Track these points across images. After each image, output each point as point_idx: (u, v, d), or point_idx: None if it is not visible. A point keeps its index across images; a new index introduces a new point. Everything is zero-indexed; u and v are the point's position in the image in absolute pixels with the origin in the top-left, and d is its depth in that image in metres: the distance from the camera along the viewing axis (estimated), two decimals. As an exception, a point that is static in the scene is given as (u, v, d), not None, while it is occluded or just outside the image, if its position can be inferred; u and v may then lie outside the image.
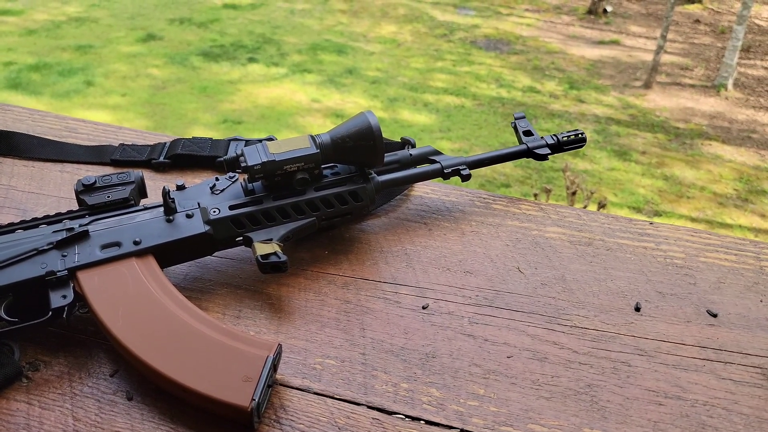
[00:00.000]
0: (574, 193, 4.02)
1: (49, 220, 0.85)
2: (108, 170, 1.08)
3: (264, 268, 0.83)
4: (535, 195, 4.16)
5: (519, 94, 6.65)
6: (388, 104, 6.19)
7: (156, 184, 1.04)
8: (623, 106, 6.59)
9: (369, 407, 0.74)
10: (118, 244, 0.82)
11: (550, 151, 1.00)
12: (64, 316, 0.77)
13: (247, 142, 1.10)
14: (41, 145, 1.09)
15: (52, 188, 1.04)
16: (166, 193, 0.84)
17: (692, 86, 7.06)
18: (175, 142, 1.09)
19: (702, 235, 0.96)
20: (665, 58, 7.15)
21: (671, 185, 5.17)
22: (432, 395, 0.75)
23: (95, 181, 0.87)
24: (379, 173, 0.95)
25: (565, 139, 1.01)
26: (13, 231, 0.83)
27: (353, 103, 6.10)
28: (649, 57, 7.45)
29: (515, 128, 1.03)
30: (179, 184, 0.89)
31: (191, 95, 6.38)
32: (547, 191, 4.05)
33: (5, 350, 0.77)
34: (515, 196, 1.03)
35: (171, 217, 0.85)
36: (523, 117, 1.05)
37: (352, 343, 0.81)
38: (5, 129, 1.12)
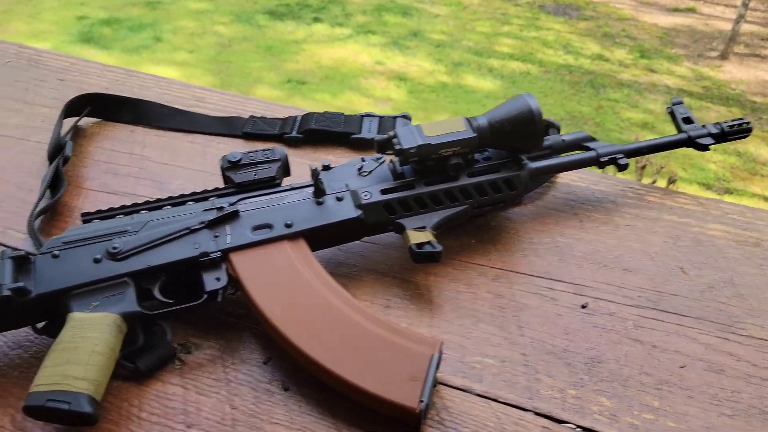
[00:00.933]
0: (643, 167, 3.85)
1: (196, 197, 0.82)
2: (238, 143, 1.05)
3: (417, 257, 0.80)
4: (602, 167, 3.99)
5: (587, 61, 6.41)
6: (452, 69, 6.06)
7: (290, 160, 1.01)
8: (696, 77, 6.29)
9: (536, 414, 0.70)
10: (269, 226, 0.79)
11: (713, 141, 0.93)
12: (219, 299, 0.75)
13: (381, 119, 1.05)
14: (171, 114, 1.07)
15: (185, 160, 1.02)
16: (317, 175, 0.81)
17: (772, 58, 6.66)
18: (307, 116, 1.05)
19: None
20: (745, 27, 6.77)
21: (744, 162, 4.93)
22: (602, 404, 0.71)
23: (241, 158, 0.84)
24: (531, 159, 0.89)
25: (729, 128, 0.93)
26: (161, 207, 0.81)
27: (417, 67, 5.98)
28: (727, 26, 7.07)
29: (672, 115, 0.96)
30: (326, 163, 0.86)
31: (256, 54, 6.37)
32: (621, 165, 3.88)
33: (158, 331, 0.76)
34: (671, 189, 0.96)
35: (321, 200, 0.82)
36: (681, 102, 0.97)
37: (511, 341, 0.77)
38: (132, 96, 1.10)
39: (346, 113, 1.06)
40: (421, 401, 0.66)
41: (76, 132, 1.04)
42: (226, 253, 0.77)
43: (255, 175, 0.83)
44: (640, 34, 7.10)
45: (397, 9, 7.31)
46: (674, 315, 0.79)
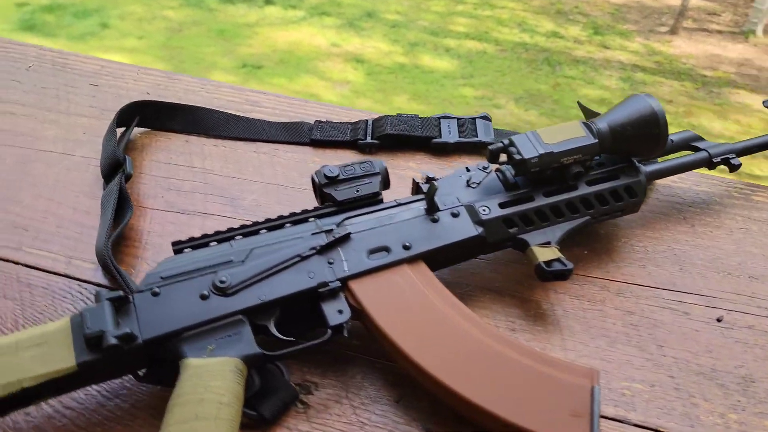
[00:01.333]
0: None
1: (295, 218, 0.74)
2: (306, 151, 0.96)
3: (546, 276, 0.73)
4: None
5: (542, 39, 6.43)
6: (409, 49, 5.99)
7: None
8: (649, 52, 6.37)
9: (703, 443, 0.65)
10: (386, 249, 0.72)
11: None
12: (345, 334, 0.67)
13: (459, 120, 0.98)
14: (228, 121, 0.98)
15: (252, 172, 0.93)
16: (433, 191, 0.74)
17: (720, 32, 6.81)
18: (379, 120, 0.97)
19: None
20: (692, 2, 6.88)
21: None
22: (768, 428, 0.66)
23: (339, 173, 0.76)
24: (641, 162, 0.83)
25: None
26: (257, 231, 0.73)
27: (373, 48, 5.90)
28: (676, 1, 7.18)
29: (774, 109, 0.92)
30: (430, 176, 0.78)
31: (208, 38, 6.19)
32: None
33: (274, 371, 0.68)
34: (775, 186, 0.92)
35: (436, 217, 0.75)
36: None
37: (654, 363, 0.72)
38: (178, 101, 1.00)
39: (421, 115, 0.98)
40: (593, 439, 0.61)
41: (127, 145, 0.94)
42: (344, 282, 0.70)
43: (357, 191, 0.76)
44: (592, 10, 7.15)
45: (351, -11, 7.18)
46: (816, 325, 0.75)
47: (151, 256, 0.80)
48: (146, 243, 0.82)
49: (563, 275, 0.73)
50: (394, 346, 0.66)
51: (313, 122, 0.98)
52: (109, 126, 0.92)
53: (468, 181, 0.79)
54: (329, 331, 0.67)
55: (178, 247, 0.71)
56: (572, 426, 0.62)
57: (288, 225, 0.74)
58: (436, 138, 0.95)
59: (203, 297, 0.66)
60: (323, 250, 0.71)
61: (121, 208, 0.82)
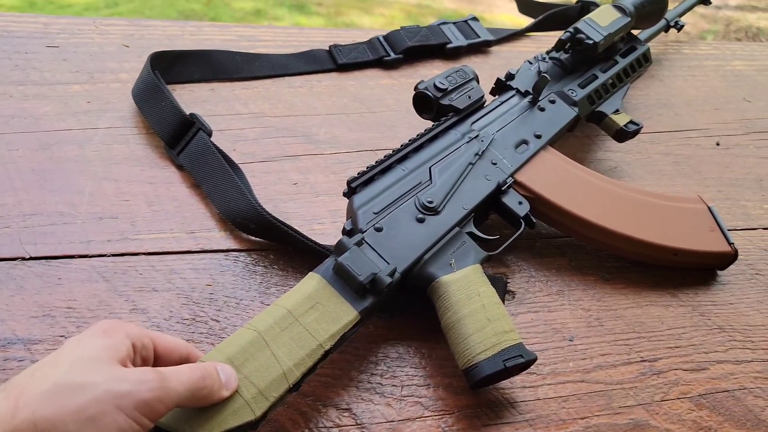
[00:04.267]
0: None
1: (431, 134, 0.77)
2: (335, 76, 0.95)
3: (627, 135, 0.88)
4: None
5: None
6: None
7: (401, 82, 0.96)
8: None
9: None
10: (525, 142, 0.80)
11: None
12: (533, 221, 0.75)
13: (456, 24, 1.05)
14: (249, 61, 0.90)
15: (303, 107, 0.89)
16: (544, 82, 0.82)
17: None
18: (392, 35, 0.99)
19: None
20: None
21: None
22: (788, 207, 0.92)
23: (447, 84, 0.80)
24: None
25: None
26: (407, 155, 0.74)
27: None
28: None
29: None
30: (512, 71, 0.86)
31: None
32: None
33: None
34: (689, 40, 1.17)
35: (540, 105, 0.84)
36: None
37: (703, 185, 0.92)
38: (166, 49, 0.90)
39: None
40: (731, 243, 0.79)
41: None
42: (512, 176, 0.76)
43: (470, 97, 0.81)
44: None
45: None
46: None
47: (273, 210, 0.75)
48: (259, 198, 0.77)
49: (637, 132, 0.89)
50: (571, 215, 0.76)
51: (327, 48, 0.96)
52: (147, 84, 0.80)
53: (539, 72, 0.88)
54: (522, 222, 0.74)
55: (356, 183, 0.70)
56: (714, 239, 0.79)
57: (426, 143, 0.76)
58: (448, 44, 1.01)
59: (420, 220, 0.68)
60: (483, 154, 0.76)
61: (231, 166, 0.76)
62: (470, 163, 0.74)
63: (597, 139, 0.95)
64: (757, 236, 0.86)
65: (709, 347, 0.72)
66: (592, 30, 0.87)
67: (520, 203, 0.75)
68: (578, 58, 0.89)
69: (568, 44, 0.88)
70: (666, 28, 1.06)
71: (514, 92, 0.85)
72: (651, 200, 0.80)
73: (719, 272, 0.80)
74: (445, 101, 0.79)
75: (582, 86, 0.88)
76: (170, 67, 0.86)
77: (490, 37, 1.04)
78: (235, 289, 0.68)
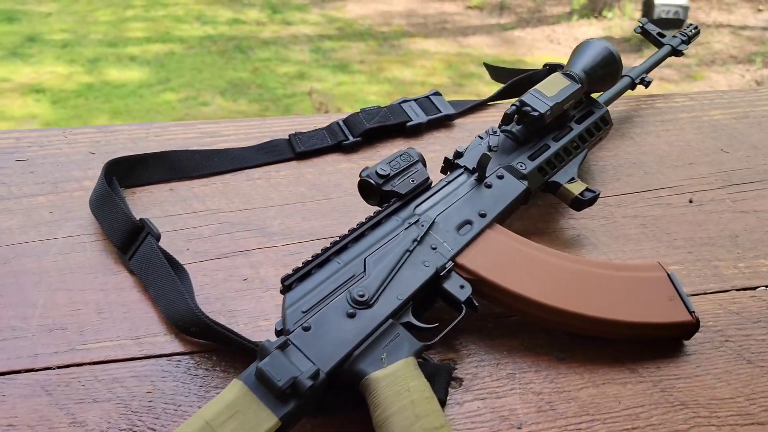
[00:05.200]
0: (326, 112, 4.16)
1: (372, 222, 0.77)
2: (294, 165, 0.97)
3: (583, 204, 0.87)
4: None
5: (226, 28, 6.42)
6: (91, 66, 5.53)
7: (360, 165, 0.97)
8: (328, 21, 6.75)
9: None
10: (468, 222, 0.79)
11: (686, 47, 1.14)
12: (476, 305, 0.74)
13: (418, 101, 1.06)
14: (207, 158, 0.94)
15: (259, 200, 0.91)
16: (485, 162, 0.82)
17: (383, -11, 7.32)
18: (352, 118, 1.01)
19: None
20: None
21: (396, 86, 5.40)
22: (766, 264, 0.88)
23: (389, 170, 0.81)
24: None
25: (690, 33, 1.15)
26: (346, 246, 0.74)
27: (50, 74, 5.32)
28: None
29: (645, 32, 1.14)
30: (460, 149, 0.87)
31: None
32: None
33: (426, 362, 0.72)
34: (663, 93, 1.16)
35: (488, 183, 0.83)
36: (648, 21, 1.16)
37: (673, 247, 0.89)
38: (129, 154, 0.94)
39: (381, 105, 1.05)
40: (692, 312, 0.76)
41: (114, 209, 0.86)
42: (453, 260, 0.76)
43: (413, 181, 0.81)
44: (259, -10, 7.35)
45: (-1, 16, 6.47)
46: (748, 183, 0.99)
47: (221, 308, 0.77)
48: (208, 297, 0.79)
49: (595, 200, 0.87)
50: (515, 295, 0.75)
51: (287, 137, 0.99)
52: (101, 192, 0.84)
53: (489, 147, 0.88)
54: (463, 307, 0.73)
55: (290, 281, 0.70)
56: (672, 308, 0.76)
57: (367, 229, 0.77)
58: (408, 122, 1.02)
59: (350, 315, 0.68)
60: (422, 239, 0.76)
61: (176, 269, 0.78)
62: (407, 251, 0.74)
63: (560, 207, 0.93)
64: (729, 299, 0.82)
65: (670, 426, 0.69)
66: (538, 101, 0.87)
67: (462, 287, 0.74)
68: (529, 129, 0.89)
69: (516, 117, 0.88)
70: (632, 86, 1.05)
71: (462, 170, 0.85)
72: (605, 272, 0.78)
73: (685, 342, 0.77)
74: (387, 187, 0.79)
75: (532, 158, 0.87)
76: (130, 171, 0.90)
77: (452, 111, 1.05)
78: (175, 394, 0.69)
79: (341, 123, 1.01)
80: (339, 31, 6.47)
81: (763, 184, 0.99)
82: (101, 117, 4.62)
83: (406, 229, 0.76)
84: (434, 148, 1.02)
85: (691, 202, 0.96)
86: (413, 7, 6.90)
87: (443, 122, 1.05)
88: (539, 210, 0.92)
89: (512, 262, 0.77)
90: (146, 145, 0.97)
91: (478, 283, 0.75)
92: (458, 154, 0.86)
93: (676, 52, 1.13)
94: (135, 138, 0.98)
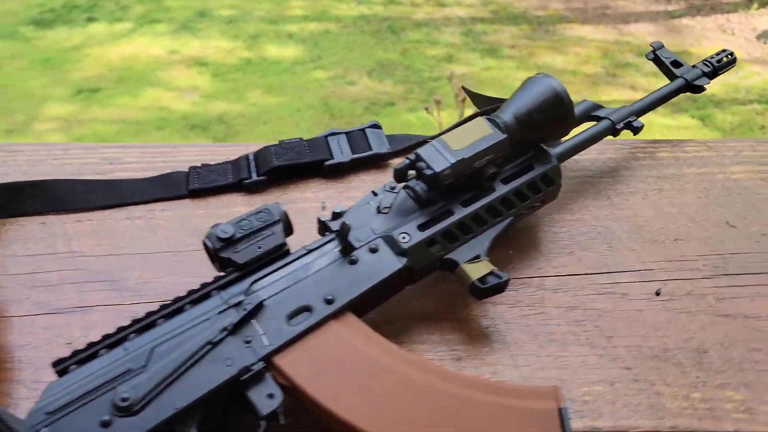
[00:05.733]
0: (463, 100, 3.92)
1: (195, 296, 0.64)
2: (186, 204, 0.85)
3: (483, 293, 0.68)
4: (426, 108, 4.02)
5: (381, 8, 6.43)
6: (252, 42, 5.81)
7: (250, 210, 0.83)
8: (483, 3, 6.54)
9: (678, 434, 0.62)
10: (307, 309, 0.64)
11: (708, 81, 0.88)
12: (281, 420, 0.59)
13: (349, 135, 0.90)
14: (90, 189, 0.85)
15: (130, 244, 0.81)
16: (346, 230, 0.66)
17: (543, -30, 7.07)
18: (262, 152, 0.88)
19: None
20: None
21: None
22: (733, 399, 0.64)
23: (233, 231, 0.66)
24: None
25: (718, 63, 0.89)
26: (155, 323, 0.62)
27: (215, 48, 5.67)
28: (496, -52, 7.40)
29: (657, 60, 0.90)
30: (337, 210, 0.70)
31: (33, 70, 5.72)
32: (438, 102, 3.93)
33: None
34: (673, 139, 0.91)
35: (353, 257, 0.67)
36: (662, 46, 0.91)
37: (608, 357, 0.68)
38: (24, 179, 0.86)
39: (305, 137, 0.90)
40: (574, 469, 0.56)
41: (-30, 244, 0.80)
42: (268, 359, 0.61)
43: (260, 248, 0.66)
44: (411, -29, 7.22)
45: (176, -9, 6.85)
46: (748, 276, 0.74)
47: (30, 376, 0.68)
48: (21, 361, 0.69)
49: (500, 288, 0.68)
50: (337, 419, 0.59)
51: (187, 169, 0.87)
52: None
53: (379, 207, 0.71)
54: (262, 423, 0.58)
55: (61, 366, 0.59)
56: (547, 459, 0.57)
57: (188, 306, 0.63)
58: (328, 160, 0.87)
59: (105, 424, 0.55)
60: (236, 328, 0.61)
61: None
62: (210, 343, 0.60)
63: (477, 286, 0.74)
64: (657, 448, 0.61)
65: None
66: (437, 156, 0.69)
67: (271, 396, 0.59)
68: (432, 188, 0.71)
69: (414, 173, 0.70)
70: (612, 132, 0.82)
71: (333, 237, 0.69)
72: (478, 397, 0.60)
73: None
74: (226, 253, 0.66)
75: (423, 227, 0.69)
76: (6, 201, 0.82)
77: (384, 149, 0.88)
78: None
79: (251, 157, 0.88)
80: (493, 14, 6.31)
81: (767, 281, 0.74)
82: (256, 91, 4.85)
83: (221, 312, 0.62)
84: (355, 194, 0.86)
85: (657, 294, 0.73)
86: (574, -10, 6.58)
87: (375, 162, 0.89)
88: (451, 287, 0.74)
89: (345, 371, 0.61)
90: (42, 169, 0.90)
91: (293, 392, 0.60)
92: (336, 215, 0.70)
93: (692, 88, 0.88)
94: (33, 160, 0.91)
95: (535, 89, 0.72)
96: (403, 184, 0.73)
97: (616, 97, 4.78)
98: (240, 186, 0.86)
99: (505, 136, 0.70)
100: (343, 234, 0.66)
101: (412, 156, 0.69)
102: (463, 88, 0.92)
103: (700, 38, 5.54)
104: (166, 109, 4.73)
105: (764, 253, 0.76)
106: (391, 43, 5.64)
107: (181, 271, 0.78)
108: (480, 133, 0.70)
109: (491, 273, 0.68)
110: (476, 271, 0.68)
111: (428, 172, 0.68)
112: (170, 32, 5.95)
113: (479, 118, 0.72)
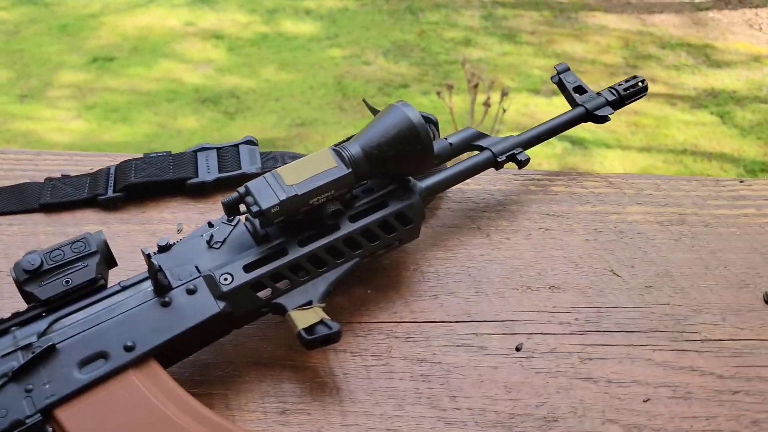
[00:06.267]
0: (476, 86, 3.84)
1: None
2: (37, 219, 0.79)
3: (310, 344, 0.61)
4: (438, 93, 3.93)
5: None
6: (269, 17, 5.79)
7: (111, 230, 0.77)
8: None
9: None
10: (103, 355, 0.58)
11: (612, 111, 0.81)
12: (52, 482, 0.53)
13: (220, 151, 0.84)
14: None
15: (-34, 262, 0.75)
16: (154, 269, 0.60)
17: (568, -44, 6.96)
18: (123, 166, 0.81)
19: (804, 187, 0.81)
20: None
21: (563, 61, 5.10)
22: (573, 479, 0.58)
23: (41, 262, 0.60)
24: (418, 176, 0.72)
25: (625, 91, 0.81)
26: None
27: (231, 21, 5.65)
28: (520, -68, 7.27)
29: (560, 85, 0.82)
30: (162, 243, 0.64)
31: (50, 36, 5.72)
32: (450, 87, 3.85)
33: None
34: (574, 170, 0.84)
35: (167, 298, 0.61)
36: (568, 69, 0.83)
37: (447, 421, 0.62)
38: None
39: (174, 151, 0.83)
40: None
41: None
42: (48, 412, 0.55)
43: (68, 282, 0.60)
44: (443, -48, 7.11)
45: (193, -37, 6.80)
46: (620, 334, 0.67)
47: None
48: None
49: (330, 340, 0.61)
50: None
51: (43, 180, 0.81)
52: None
53: (209, 242, 0.65)
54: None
55: None
56: None
57: None
58: (191, 178, 0.80)
59: None
60: (18, 374, 0.56)
61: None
62: (-17, 392, 0.54)
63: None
64: None
65: None
66: (267, 191, 0.62)
67: (47, 455, 0.53)
68: (269, 225, 0.64)
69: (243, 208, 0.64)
70: (494, 165, 0.75)
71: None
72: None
73: None
74: (29, 287, 0.60)
75: (249, 268, 0.63)
76: None
77: (253, 169, 0.81)
78: None
79: (112, 170, 0.81)
80: None
81: (650, 338, 0.67)
82: (269, 67, 4.83)
83: (6, 355, 0.57)
84: (215, 216, 0.79)
85: (518, 349, 0.67)
86: (599, -22, 6.46)
87: (242, 182, 0.81)
88: (286, 330, 0.68)
89: (132, 430, 0.55)
90: None
91: (72, 453, 0.54)
92: (162, 249, 0.64)
93: (594, 118, 0.80)
94: None
95: (388, 120, 0.65)
96: (244, 216, 0.66)
97: (634, 89, 4.69)
98: (94, 202, 0.79)
99: (349, 170, 0.64)
100: (151, 273, 0.60)
101: (242, 189, 0.63)
102: (364, 101, 0.84)
103: (725, 32, 5.40)
104: (178, 81, 4.70)
105: (643, 309, 0.69)
106: (409, 24, 5.57)
107: (10, 294, 0.72)
108: (322, 167, 0.63)
109: (321, 322, 0.62)
110: (304, 319, 0.62)
111: (255, 208, 0.61)
112: (187, 4, 5.92)
113: (325, 150, 0.65)
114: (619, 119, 4.14)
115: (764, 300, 0.70)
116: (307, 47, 5.30)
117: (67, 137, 4.15)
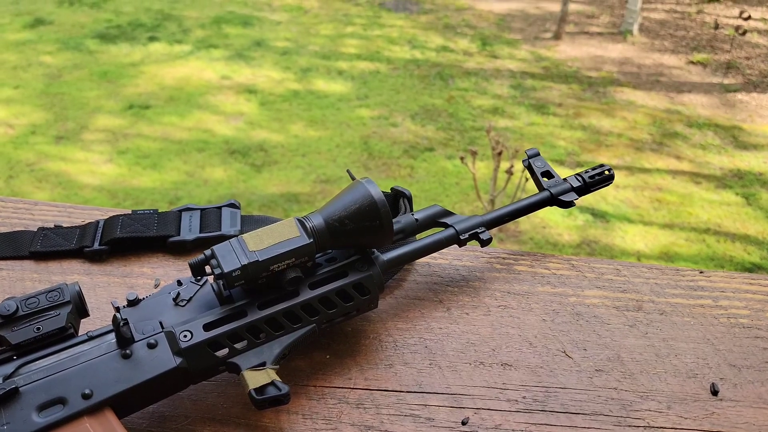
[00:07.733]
0: (500, 153, 3.91)
1: None
2: (26, 266, 0.84)
3: (260, 405, 0.64)
4: (462, 158, 4.01)
5: (433, 54, 6.54)
6: (302, 75, 5.96)
7: (93, 280, 0.82)
8: (536, 59, 6.59)
9: None
10: (62, 401, 0.61)
11: (576, 196, 0.84)
12: None
13: (203, 212, 0.88)
14: (-67, 240, 0.85)
15: (-45, 300, 0.80)
16: (117, 322, 0.63)
17: (600, 34, 7.15)
18: (111, 221, 0.86)
19: (762, 282, 0.83)
20: (571, 7, 7.22)
21: (590, 135, 5.20)
22: None
23: (17, 308, 0.65)
24: (382, 249, 0.76)
25: (591, 179, 0.85)
26: None
27: (265, 77, 5.82)
28: (555, 7, 7.49)
29: (530, 169, 0.86)
30: (131, 297, 0.68)
31: (91, 82, 5.94)
32: (473, 153, 3.92)
33: None
34: (539, 252, 0.87)
35: (128, 350, 0.64)
36: (538, 154, 0.88)
37: (386, 490, 0.63)
38: None
39: (197, 201, 0.89)
40: None
41: None
42: (-5, 456, 0.58)
43: (39, 329, 0.64)
44: (479, 22, 7.33)
45: (237, 20, 7.08)
46: (565, 415, 0.69)
47: None
48: None
49: (279, 401, 0.64)
50: None
51: (36, 229, 0.86)
52: None
53: (176, 299, 0.69)
54: None
55: None
56: None
57: None
58: (173, 236, 0.85)
59: None
60: (-25, 417, 0.59)
61: None
62: (-58, 430, 0.58)
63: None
64: None
65: None
66: (231, 255, 0.66)
67: (-3, 496, 0.56)
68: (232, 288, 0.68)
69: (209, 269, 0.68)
70: (457, 242, 0.78)
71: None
72: None
73: None
74: (2, 331, 0.64)
75: (208, 327, 0.66)
76: None
77: (232, 231, 0.86)
78: None
79: (101, 223, 0.86)
80: (544, 70, 6.36)
81: (593, 421, 0.69)
82: (299, 123, 4.97)
83: (-31, 396, 0.60)
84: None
85: (464, 423, 0.69)
86: (629, 56, 6.60)
87: (220, 242, 0.86)
88: (238, 389, 0.71)
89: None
90: None
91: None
92: (131, 303, 0.68)
93: (558, 202, 0.83)
94: None
95: (351, 195, 0.69)
96: (212, 277, 0.70)
97: (659, 165, 4.71)
98: (81, 253, 0.84)
99: (310, 240, 0.68)
100: (114, 326, 0.63)
101: (208, 252, 0.67)
102: (348, 171, 0.89)
103: (753, 114, 5.45)
104: (209, 132, 4.85)
105: (591, 392, 0.71)
106: (438, 89, 5.71)
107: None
108: (285, 236, 0.68)
109: (272, 383, 0.65)
110: (256, 379, 0.65)
111: (218, 271, 0.65)
112: (225, 58, 6.16)
113: (290, 219, 0.69)
114: (642, 194, 4.16)
115: (711, 391, 0.71)
116: (336, 106, 5.44)
117: (97, 180, 4.28)
